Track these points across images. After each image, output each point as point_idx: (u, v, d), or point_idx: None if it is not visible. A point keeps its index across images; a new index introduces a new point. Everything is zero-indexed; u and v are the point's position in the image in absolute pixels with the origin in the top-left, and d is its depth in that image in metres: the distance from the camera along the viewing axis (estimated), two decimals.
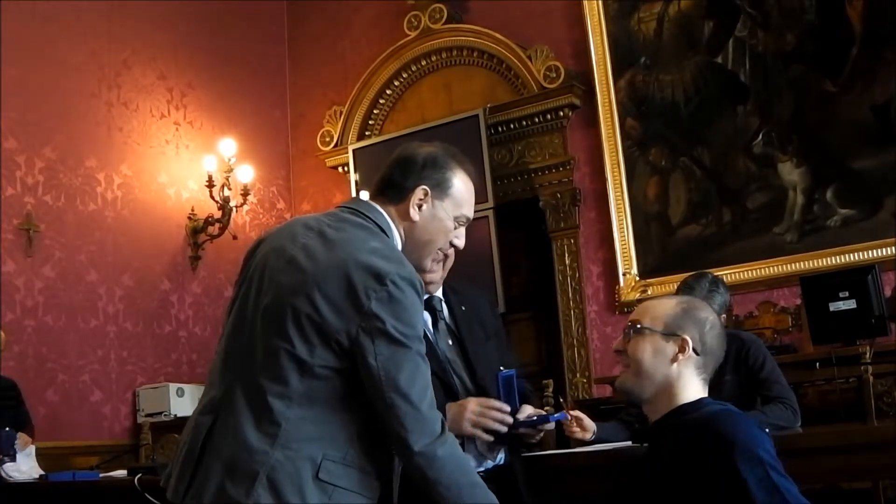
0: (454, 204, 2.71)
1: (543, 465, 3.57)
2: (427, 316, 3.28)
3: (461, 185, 2.73)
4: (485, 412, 3.03)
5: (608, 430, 4.17)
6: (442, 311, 3.33)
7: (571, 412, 3.86)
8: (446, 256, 3.13)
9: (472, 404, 3.05)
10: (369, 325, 2.37)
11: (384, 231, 2.61)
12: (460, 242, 2.81)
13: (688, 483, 2.51)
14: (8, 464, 5.72)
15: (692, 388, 2.66)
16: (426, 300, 3.25)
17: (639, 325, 2.68)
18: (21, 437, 6.00)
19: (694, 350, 2.64)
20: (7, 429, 5.83)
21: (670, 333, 2.66)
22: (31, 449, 6.06)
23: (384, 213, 2.65)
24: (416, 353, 2.44)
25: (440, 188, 2.68)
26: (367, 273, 2.40)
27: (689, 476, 2.51)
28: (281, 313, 2.42)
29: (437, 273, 3.25)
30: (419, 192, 2.65)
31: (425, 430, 2.38)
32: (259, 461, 2.30)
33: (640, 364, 2.66)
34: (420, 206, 2.65)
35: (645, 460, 2.75)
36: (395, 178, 2.70)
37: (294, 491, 2.29)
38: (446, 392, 3.13)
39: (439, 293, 3.34)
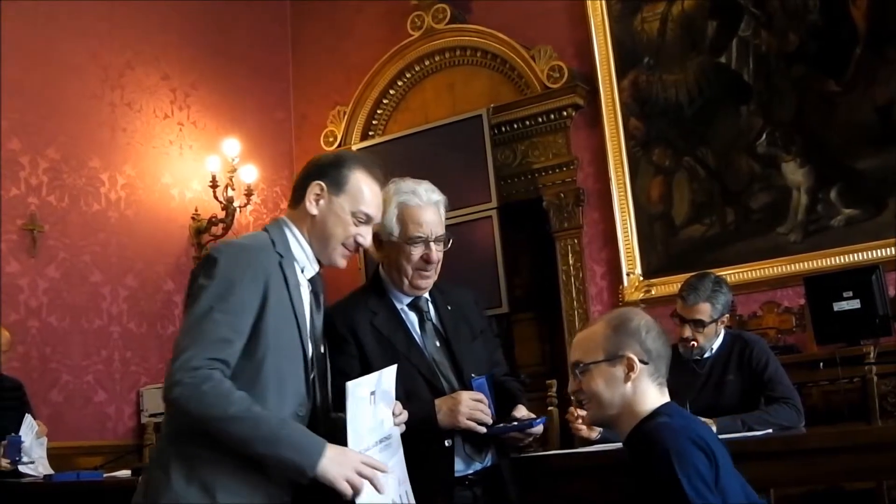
0: (351, 200, 2.83)
1: (540, 465, 3.59)
2: (414, 317, 3.33)
3: (360, 183, 2.86)
4: (476, 405, 3.09)
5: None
6: (429, 311, 3.36)
7: (578, 411, 3.86)
8: (428, 262, 3.26)
9: (466, 397, 3.10)
10: (189, 286, 2.70)
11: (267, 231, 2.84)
12: (365, 241, 2.89)
13: (646, 493, 2.57)
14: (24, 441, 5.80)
15: (650, 397, 2.73)
16: (413, 301, 3.34)
17: (582, 364, 2.75)
18: (39, 425, 6.05)
19: (642, 361, 2.71)
20: (14, 434, 5.84)
21: (613, 357, 2.72)
22: (45, 440, 6.09)
23: (281, 219, 2.88)
24: (207, 304, 2.58)
25: (337, 185, 2.83)
26: None
27: (645, 486, 2.58)
28: None
29: (428, 278, 3.30)
30: (315, 188, 2.82)
31: (168, 372, 2.54)
32: None
33: (599, 397, 2.74)
34: (317, 201, 2.83)
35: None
36: (298, 180, 2.91)
37: None
38: (433, 393, 3.16)
39: (426, 294, 3.36)
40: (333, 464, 2.50)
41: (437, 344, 3.30)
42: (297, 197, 2.87)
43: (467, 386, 3.20)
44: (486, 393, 3.15)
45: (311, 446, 2.51)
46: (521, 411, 3.23)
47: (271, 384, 2.63)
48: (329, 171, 2.85)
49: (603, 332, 2.77)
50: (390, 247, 3.29)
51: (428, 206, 3.28)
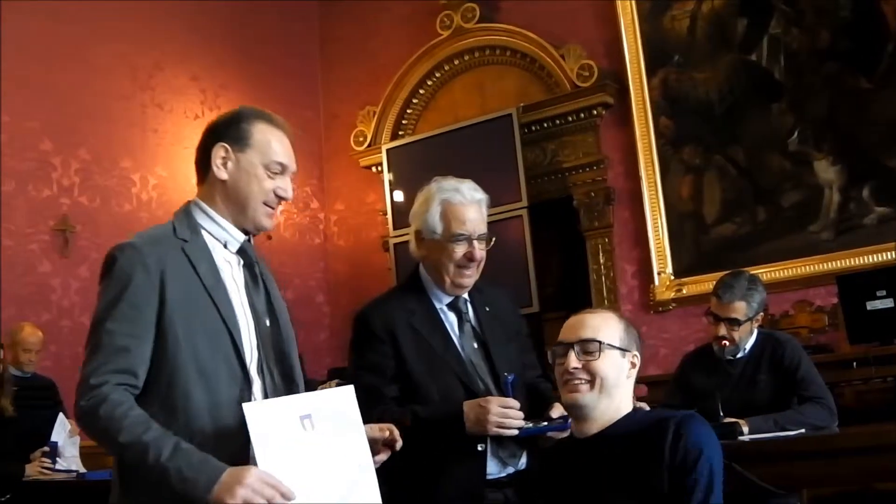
0: (259, 152, 2.63)
1: None
2: (452, 317, 3.30)
3: (264, 134, 2.66)
4: (506, 412, 3.03)
5: None
6: (467, 312, 3.32)
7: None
8: (471, 260, 3.21)
9: (494, 405, 3.04)
10: None
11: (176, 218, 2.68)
12: (286, 193, 2.67)
13: (639, 483, 2.55)
14: (58, 440, 5.85)
15: (628, 399, 2.76)
16: (452, 301, 3.30)
17: (599, 343, 2.71)
18: (72, 424, 6.08)
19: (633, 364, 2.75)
20: (53, 440, 5.89)
21: (625, 350, 2.73)
22: (77, 439, 6.13)
23: (190, 202, 2.72)
24: (99, 317, 2.46)
25: (240, 141, 2.63)
26: None
27: (640, 477, 2.55)
28: None
29: (470, 276, 3.27)
30: (219, 150, 2.63)
31: (76, 398, 2.39)
32: None
33: (606, 381, 2.70)
34: (225, 164, 2.63)
35: (566, 476, 2.77)
36: (198, 150, 2.72)
37: None
38: (468, 395, 3.13)
39: (465, 294, 3.33)
40: (228, 491, 2.22)
41: (475, 345, 3.27)
42: (203, 168, 2.68)
43: (502, 389, 3.17)
44: (517, 392, 3.12)
45: (202, 475, 2.25)
46: (557, 410, 3.18)
47: (192, 378, 2.41)
48: (227, 130, 2.65)
49: (617, 323, 2.76)
50: (432, 245, 3.26)
51: (471, 203, 3.25)
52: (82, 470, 5.86)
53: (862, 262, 6.61)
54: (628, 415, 2.71)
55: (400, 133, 8.91)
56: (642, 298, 7.63)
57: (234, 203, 2.63)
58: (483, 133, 8.00)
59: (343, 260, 9.38)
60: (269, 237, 8.54)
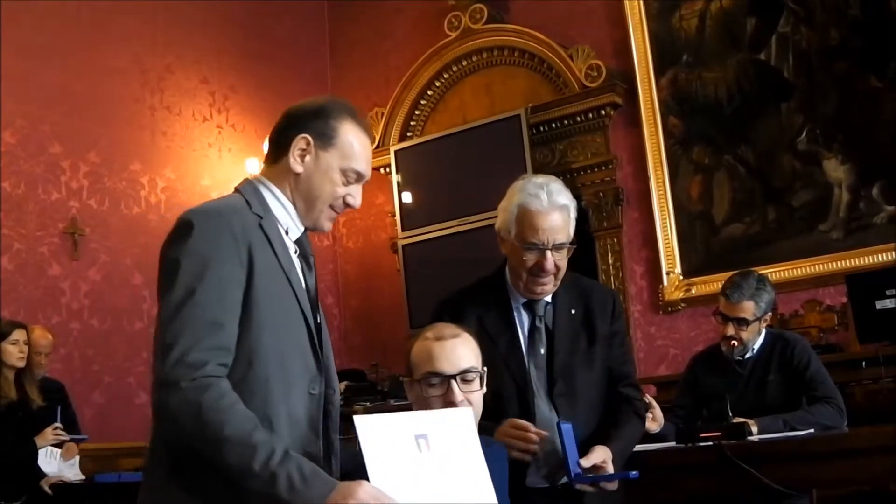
0: (341, 155, 2.47)
1: None
2: (526, 318, 3.21)
3: (350, 136, 2.50)
4: (510, 432, 2.95)
5: (667, 427, 4.19)
6: (544, 315, 3.21)
7: (646, 396, 3.81)
8: (542, 270, 3.08)
9: (506, 426, 2.96)
10: (160, 261, 2.38)
11: (240, 192, 2.49)
12: (355, 201, 2.52)
13: None
14: (49, 471, 5.81)
15: None
16: (527, 303, 3.20)
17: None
18: (68, 448, 6.05)
19: None
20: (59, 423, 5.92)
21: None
22: (76, 459, 6.12)
23: (254, 178, 2.54)
24: (186, 285, 2.28)
25: (324, 137, 2.47)
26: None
27: None
28: None
29: (545, 285, 3.15)
30: (300, 142, 2.47)
31: (158, 375, 2.21)
32: None
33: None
34: (303, 157, 2.47)
35: None
36: (278, 132, 2.55)
37: None
38: (520, 401, 3.06)
39: (548, 297, 3.22)
40: None
41: (543, 351, 3.17)
42: (278, 152, 2.51)
43: (553, 403, 3.10)
44: (571, 438, 2.93)
45: (314, 487, 2.12)
46: (600, 453, 2.99)
47: (272, 365, 2.29)
48: (315, 122, 2.49)
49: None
50: (509, 247, 3.17)
51: (550, 210, 3.10)
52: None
53: (871, 261, 6.59)
54: None
55: (408, 134, 8.90)
56: (651, 299, 7.61)
57: (302, 198, 2.48)
58: (491, 134, 7.99)
59: (352, 262, 9.38)
60: None
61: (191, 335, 2.19)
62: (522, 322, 3.20)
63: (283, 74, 9.31)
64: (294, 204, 2.48)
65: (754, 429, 3.91)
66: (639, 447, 3.56)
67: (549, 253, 3.09)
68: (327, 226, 2.53)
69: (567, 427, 2.94)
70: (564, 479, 3.00)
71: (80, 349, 7.45)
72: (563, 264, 3.15)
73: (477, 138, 8.07)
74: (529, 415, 3.08)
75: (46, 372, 6.57)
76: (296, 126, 2.49)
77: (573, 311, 3.23)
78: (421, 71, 8.84)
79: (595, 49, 7.90)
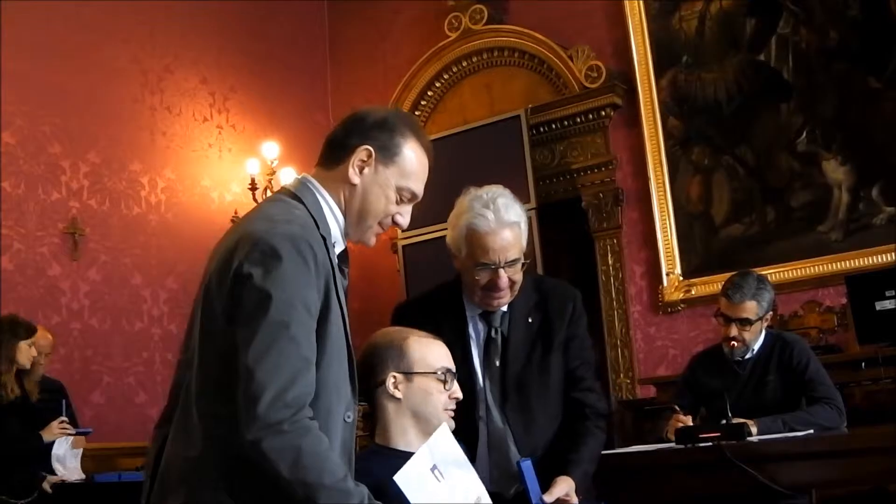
0: (400, 172, 2.40)
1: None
2: (482, 328, 3.16)
3: (412, 154, 2.43)
4: None
5: None
6: (500, 325, 3.16)
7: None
8: (495, 287, 3.04)
9: None
10: (238, 284, 2.17)
11: (300, 200, 2.37)
12: (404, 220, 2.46)
13: None
14: (58, 452, 5.85)
15: None
16: (484, 313, 3.15)
17: None
18: (77, 441, 6.08)
19: None
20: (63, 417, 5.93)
21: None
22: (80, 451, 6.14)
23: (309, 182, 2.42)
24: (279, 319, 2.13)
25: (387, 151, 2.39)
26: (245, 238, 2.22)
27: None
28: (196, 306, 2.36)
29: (499, 299, 3.10)
30: (361, 153, 2.37)
31: (257, 414, 2.08)
32: None
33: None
34: (361, 169, 2.38)
35: None
36: (338, 136, 2.44)
37: None
38: (467, 415, 2.97)
39: (505, 307, 3.16)
40: None
41: (497, 363, 3.12)
42: (335, 157, 2.41)
43: (506, 416, 3.05)
44: (532, 475, 2.88)
45: None
46: (563, 485, 2.93)
47: (333, 396, 2.24)
48: (379, 134, 2.39)
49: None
50: (461, 262, 3.12)
51: (499, 229, 3.03)
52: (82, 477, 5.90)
53: (871, 262, 6.59)
54: None
55: None
56: (651, 299, 7.61)
57: (354, 211, 2.40)
58: (491, 134, 7.99)
59: (352, 262, 9.29)
60: None
61: (288, 373, 2.10)
62: (479, 332, 3.16)
63: (283, 75, 9.32)
64: (345, 215, 2.41)
65: (754, 429, 3.91)
66: (639, 447, 3.57)
67: (501, 271, 3.04)
68: (372, 241, 2.48)
69: (527, 464, 2.89)
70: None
71: (79, 349, 7.45)
72: (518, 277, 3.10)
73: (477, 139, 8.06)
74: (473, 429, 3.04)
75: (46, 372, 6.58)
76: (359, 135, 2.40)
77: (530, 320, 3.17)
78: (421, 71, 8.83)
79: (595, 50, 7.91)
